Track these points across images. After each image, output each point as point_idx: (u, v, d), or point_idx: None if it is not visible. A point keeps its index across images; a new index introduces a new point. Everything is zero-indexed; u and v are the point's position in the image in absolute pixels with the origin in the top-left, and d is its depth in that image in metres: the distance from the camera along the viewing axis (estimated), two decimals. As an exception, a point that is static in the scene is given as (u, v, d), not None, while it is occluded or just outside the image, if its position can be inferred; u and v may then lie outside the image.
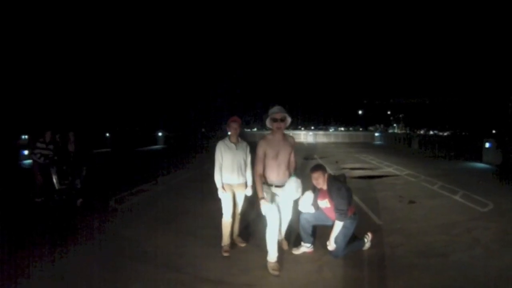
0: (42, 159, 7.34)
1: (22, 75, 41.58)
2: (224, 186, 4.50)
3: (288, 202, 4.27)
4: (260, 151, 4.04)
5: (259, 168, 4.05)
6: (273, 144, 4.06)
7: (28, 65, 42.98)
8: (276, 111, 4.03)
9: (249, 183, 4.64)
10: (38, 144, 7.50)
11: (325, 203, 4.32)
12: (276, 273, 3.90)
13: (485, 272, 3.93)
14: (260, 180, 4.01)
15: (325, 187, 4.27)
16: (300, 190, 4.07)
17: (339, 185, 4.21)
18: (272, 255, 3.98)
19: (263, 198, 3.91)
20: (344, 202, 4.10)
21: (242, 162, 4.58)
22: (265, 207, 3.88)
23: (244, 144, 4.70)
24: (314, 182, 4.31)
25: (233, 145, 4.54)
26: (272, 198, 4.07)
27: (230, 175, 4.52)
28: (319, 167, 4.35)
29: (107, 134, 27.04)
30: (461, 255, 4.40)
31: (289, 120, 4.13)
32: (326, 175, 4.29)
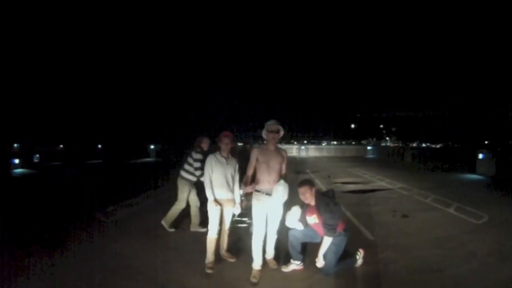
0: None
1: (13, 84, 41.47)
2: (215, 200, 4.42)
3: (276, 209, 4.25)
4: (252, 157, 4.26)
5: (249, 172, 4.27)
6: (265, 152, 4.24)
7: (20, 74, 42.94)
8: (271, 123, 4.28)
9: (237, 200, 4.60)
10: (196, 155, 5.87)
11: (313, 219, 4.18)
12: (254, 280, 3.99)
13: (482, 287, 3.83)
14: (248, 179, 4.23)
15: (313, 202, 4.15)
16: (286, 195, 4.05)
17: (327, 200, 4.08)
18: (257, 262, 4.18)
19: (248, 184, 4.17)
20: (333, 217, 3.96)
21: (231, 178, 4.55)
22: (250, 188, 4.16)
23: (234, 161, 4.68)
24: (302, 197, 4.19)
25: (223, 159, 4.52)
26: (262, 205, 4.16)
27: (220, 190, 4.46)
28: (306, 182, 4.21)
29: (99, 146, 26.91)
30: (457, 270, 4.28)
31: (282, 132, 4.34)
32: (313, 190, 4.16)
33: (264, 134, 4.36)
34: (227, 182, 4.50)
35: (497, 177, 13.55)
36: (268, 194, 4.11)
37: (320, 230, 4.10)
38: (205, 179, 4.46)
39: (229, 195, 4.53)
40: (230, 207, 4.58)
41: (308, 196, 4.12)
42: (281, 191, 3.98)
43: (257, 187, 4.19)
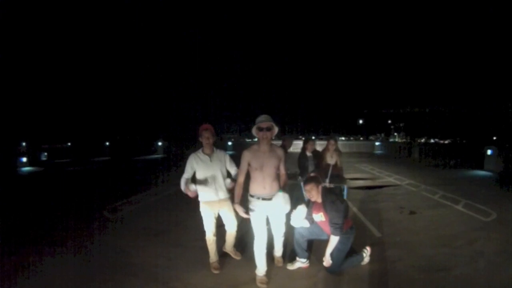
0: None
1: (21, 81, 41.69)
2: (204, 204, 4.13)
3: (278, 216, 3.95)
4: (243, 162, 3.78)
5: (240, 179, 3.83)
6: (257, 155, 3.73)
7: (27, 72, 43.15)
8: (262, 119, 3.70)
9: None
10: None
11: (319, 217, 4.12)
12: (264, 286, 3.77)
13: (489, 287, 3.76)
14: (240, 188, 3.84)
15: (319, 200, 4.06)
16: (288, 206, 3.85)
17: (333, 198, 3.99)
18: (261, 269, 3.87)
19: (237, 203, 3.79)
20: (339, 215, 3.89)
21: (220, 175, 4.12)
22: (241, 211, 3.77)
23: (221, 154, 4.22)
24: (307, 194, 4.10)
25: (206, 157, 4.10)
26: (260, 210, 3.78)
27: (207, 191, 4.09)
28: (312, 180, 4.11)
29: (107, 143, 27.05)
30: (464, 269, 4.20)
31: (276, 129, 3.76)
32: (320, 188, 4.07)
33: (254, 132, 3.77)
34: (216, 181, 4.09)
35: (505, 173, 13.37)
36: (265, 199, 3.75)
37: (327, 227, 4.04)
38: (182, 177, 4.06)
39: (221, 195, 4.13)
40: (227, 207, 4.21)
41: (314, 193, 4.03)
42: (282, 203, 3.79)
43: (253, 192, 3.80)
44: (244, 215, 3.78)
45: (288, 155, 5.52)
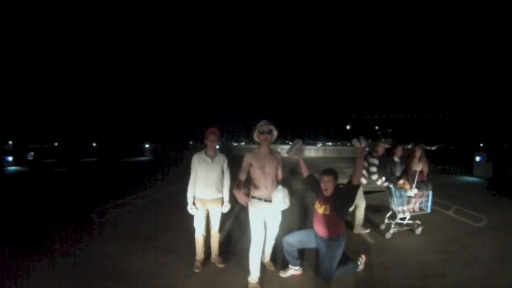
0: (380, 181, 5.97)
1: (9, 79, 41.13)
2: (197, 200, 4.28)
3: (276, 217, 4.03)
4: (244, 162, 3.91)
5: (241, 176, 3.85)
6: (259, 157, 3.93)
7: (15, 71, 42.60)
8: (263, 123, 3.94)
9: (226, 198, 4.38)
10: (371, 160, 5.93)
11: (322, 209, 3.98)
12: None
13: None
14: (239, 186, 3.63)
15: (329, 193, 3.95)
16: (287, 200, 3.75)
17: (344, 190, 4.07)
18: (254, 275, 3.83)
19: (239, 190, 3.56)
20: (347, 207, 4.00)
21: (216, 177, 4.30)
22: (242, 198, 3.57)
23: (222, 158, 4.44)
24: (323, 185, 3.94)
25: (209, 158, 4.31)
26: (260, 212, 3.88)
27: (204, 189, 4.26)
28: (332, 171, 3.98)
29: (94, 144, 26.75)
30: (459, 275, 4.19)
31: (275, 133, 4.03)
32: (335, 183, 3.97)
33: (255, 136, 4.01)
34: (212, 182, 4.26)
35: (494, 179, 13.52)
36: (267, 200, 3.85)
37: (320, 224, 3.97)
38: (190, 180, 4.28)
39: (215, 195, 4.30)
40: (217, 207, 4.37)
41: (330, 186, 3.91)
42: (281, 198, 3.70)
43: (254, 194, 3.92)
44: (244, 202, 3.65)
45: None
